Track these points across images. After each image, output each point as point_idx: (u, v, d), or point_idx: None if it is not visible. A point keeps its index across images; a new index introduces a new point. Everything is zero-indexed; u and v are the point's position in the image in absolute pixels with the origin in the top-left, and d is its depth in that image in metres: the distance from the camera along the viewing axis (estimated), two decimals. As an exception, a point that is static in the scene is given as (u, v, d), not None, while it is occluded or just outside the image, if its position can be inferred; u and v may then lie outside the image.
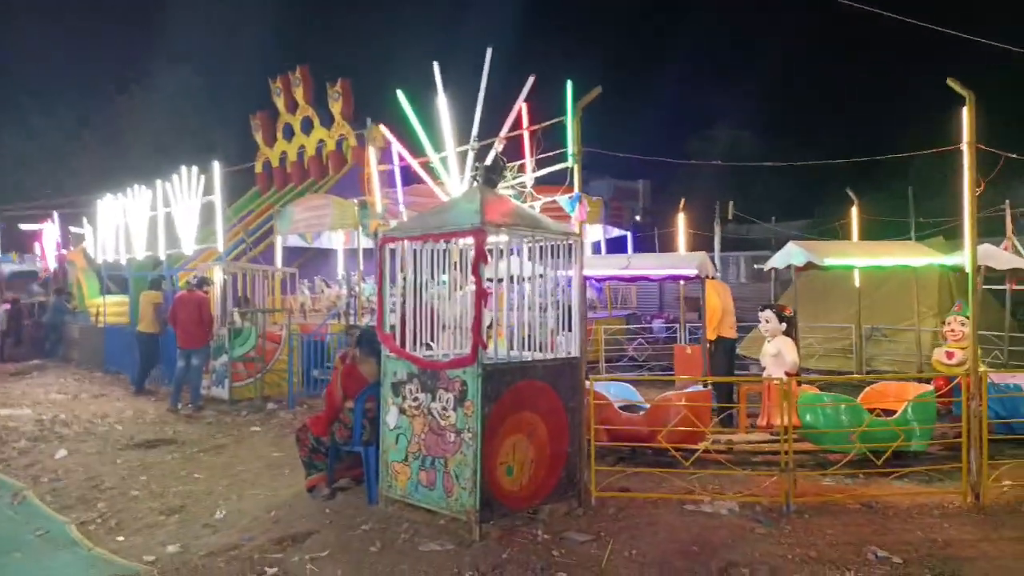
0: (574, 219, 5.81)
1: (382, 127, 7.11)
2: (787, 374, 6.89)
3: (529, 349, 6.08)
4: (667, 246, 18.45)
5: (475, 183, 5.68)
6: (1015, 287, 8.61)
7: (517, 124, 6.37)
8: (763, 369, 7.25)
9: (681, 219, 13.25)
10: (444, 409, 5.31)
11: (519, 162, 6.21)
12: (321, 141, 23.61)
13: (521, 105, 6.45)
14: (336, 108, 22.83)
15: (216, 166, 11.20)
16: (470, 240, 5.96)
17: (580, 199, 5.70)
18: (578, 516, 5.56)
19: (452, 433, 5.25)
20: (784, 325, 7.04)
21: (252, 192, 25.53)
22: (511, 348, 5.94)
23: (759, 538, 5.13)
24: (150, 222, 13.62)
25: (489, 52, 6.48)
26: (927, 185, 19.34)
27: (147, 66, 33.90)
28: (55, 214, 22.00)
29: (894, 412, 6.70)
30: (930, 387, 6.62)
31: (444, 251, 6.00)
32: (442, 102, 6.88)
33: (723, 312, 8.54)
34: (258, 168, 25.86)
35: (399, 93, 7.05)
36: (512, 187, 6.17)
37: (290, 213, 15.72)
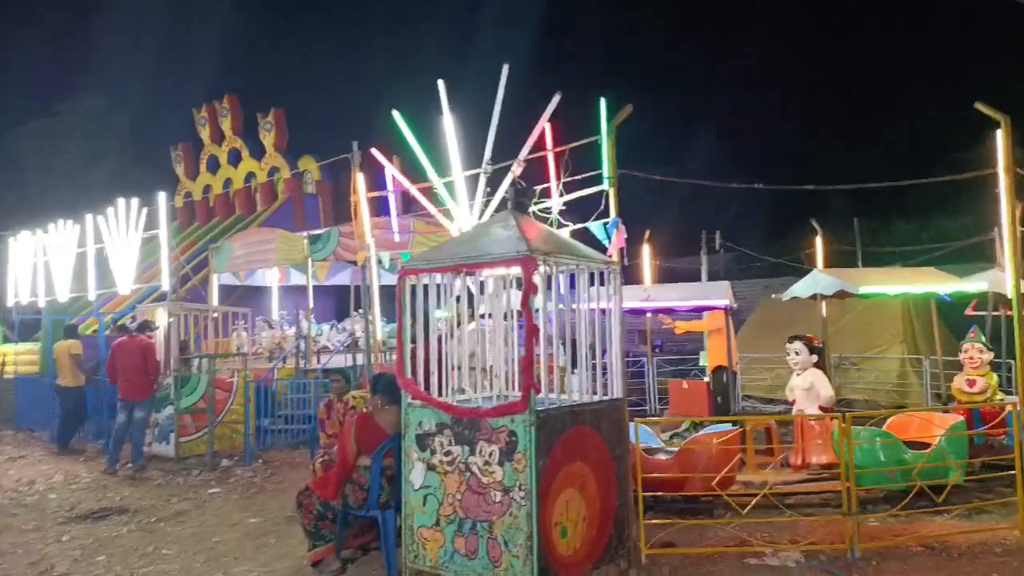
0: (612, 247, 5.30)
1: (374, 151, 6.43)
2: (821, 408, 6.56)
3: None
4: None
5: (508, 207, 5.10)
6: (1008, 314, 8.66)
7: (539, 145, 5.87)
8: (792, 403, 6.90)
9: (646, 250, 12.98)
10: (487, 464, 4.64)
11: (542, 186, 5.71)
12: (250, 173, 22.46)
13: (545, 125, 5.94)
14: (268, 139, 21.82)
15: (162, 198, 10.17)
16: (486, 272, 5.43)
17: (618, 225, 5.20)
18: (632, 578, 4.97)
19: (498, 492, 4.58)
20: (815, 357, 6.73)
21: (172, 227, 23.97)
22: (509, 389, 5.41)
23: (840, 593, 4.68)
24: (76, 260, 12.28)
25: (505, 69, 5.96)
26: (859, 215, 19.90)
27: (53, 94, 31.72)
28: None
29: (922, 444, 6.45)
30: (960, 418, 6.40)
31: (439, 285, 5.39)
32: (448, 121, 6.29)
33: (729, 342, 8.22)
34: (179, 202, 24.33)
35: (395, 114, 6.43)
36: (532, 213, 5.63)
37: (228, 249, 14.68)
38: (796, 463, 6.58)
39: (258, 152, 22.38)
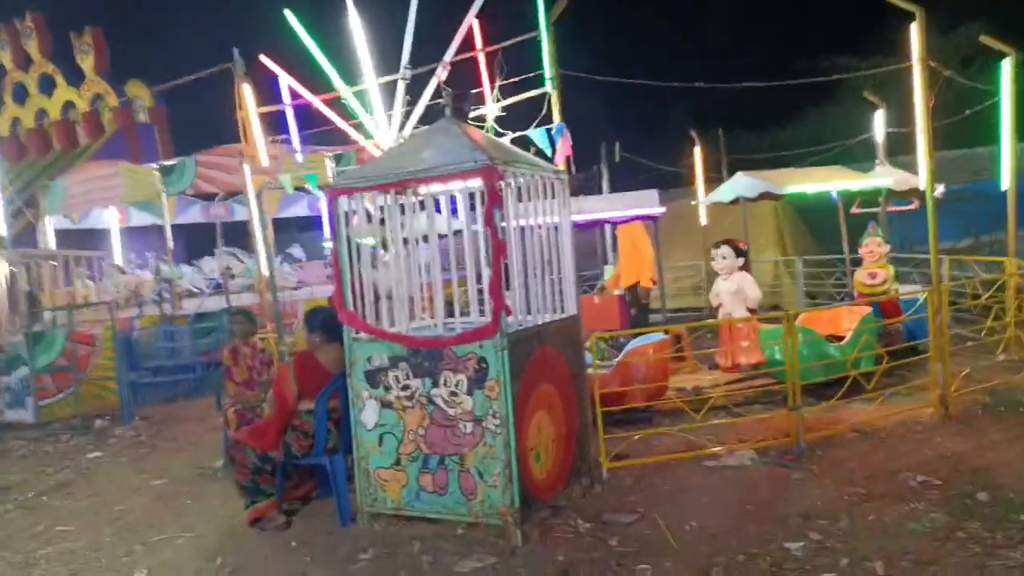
0: (558, 155, 4.96)
1: (264, 59, 5.56)
2: (749, 310, 6.69)
3: (455, 316, 5.24)
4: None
5: (446, 114, 4.59)
6: (890, 209, 9.25)
7: (465, 47, 5.30)
8: (717, 308, 6.99)
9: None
10: (453, 395, 4.29)
11: (474, 91, 5.18)
12: (68, 103, 19.76)
13: (473, 21, 5.35)
14: (87, 63, 19.17)
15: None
16: (427, 189, 4.94)
17: (563, 131, 4.86)
18: (599, 495, 4.88)
19: (468, 423, 4.26)
20: (741, 260, 6.80)
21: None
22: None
23: (801, 484, 4.82)
24: None
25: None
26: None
27: None
28: None
29: (835, 338, 6.78)
30: (868, 310, 6.76)
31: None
32: (355, 19, 5.54)
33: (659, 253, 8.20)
34: (-20, 139, 21.12)
35: (288, 13, 5.59)
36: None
37: (61, 187, 12.87)
38: (726, 365, 6.73)
39: (76, 78, 19.67)
